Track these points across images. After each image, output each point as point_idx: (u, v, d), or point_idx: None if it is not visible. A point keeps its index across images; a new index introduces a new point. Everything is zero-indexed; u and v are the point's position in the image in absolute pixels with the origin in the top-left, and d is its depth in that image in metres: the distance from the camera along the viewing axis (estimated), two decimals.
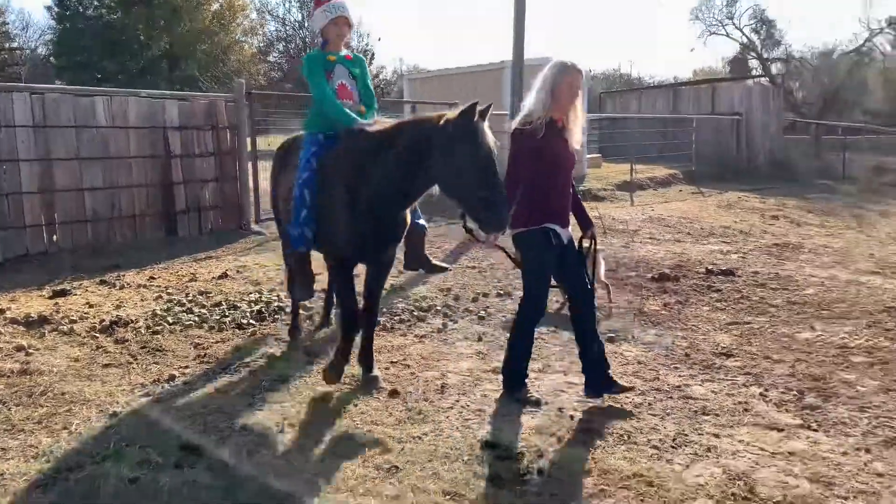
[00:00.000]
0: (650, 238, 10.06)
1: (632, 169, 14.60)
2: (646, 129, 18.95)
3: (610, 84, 53.36)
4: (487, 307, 6.39)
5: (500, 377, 4.55)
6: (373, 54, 43.84)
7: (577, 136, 4.22)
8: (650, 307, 6.56)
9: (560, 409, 4.23)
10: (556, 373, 4.87)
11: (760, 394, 4.55)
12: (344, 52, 4.46)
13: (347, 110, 4.26)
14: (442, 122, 3.71)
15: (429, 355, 5.12)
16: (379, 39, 78.37)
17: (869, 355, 5.29)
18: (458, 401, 4.33)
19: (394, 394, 4.38)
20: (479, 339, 5.52)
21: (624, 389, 4.38)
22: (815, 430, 4.02)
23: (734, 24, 45.60)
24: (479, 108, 3.66)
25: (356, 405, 4.21)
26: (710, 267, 8.03)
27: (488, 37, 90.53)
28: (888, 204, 17.13)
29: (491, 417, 4.12)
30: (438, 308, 6.27)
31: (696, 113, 20.73)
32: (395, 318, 5.92)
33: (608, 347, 5.31)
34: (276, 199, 5.06)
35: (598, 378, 4.35)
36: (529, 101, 4.10)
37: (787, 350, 5.40)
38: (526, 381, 4.43)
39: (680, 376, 4.86)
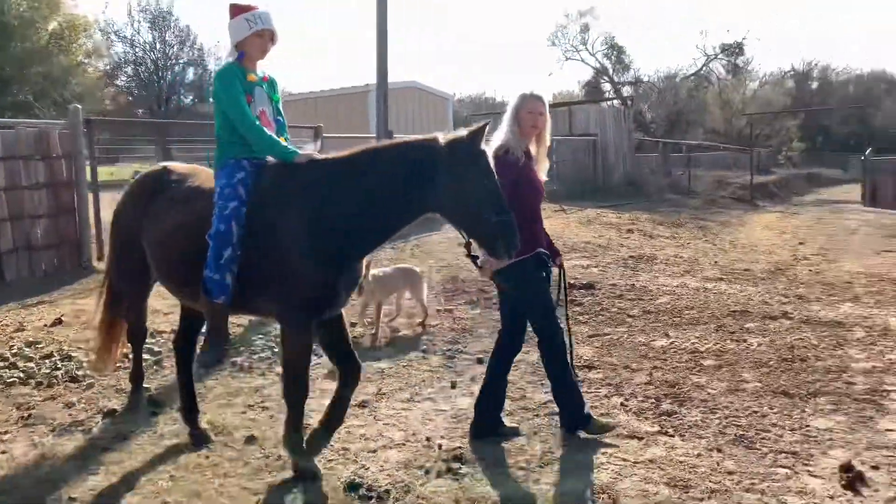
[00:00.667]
0: None
1: None
2: None
3: (476, 108, 54.84)
4: (355, 338, 6.17)
5: (364, 413, 4.40)
6: None
7: (544, 165, 4.28)
8: None
9: (428, 440, 4.10)
10: (425, 400, 4.75)
11: (621, 403, 4.65)
12: (260, 72, 3.91)
13: (282, 142, 3.70)
14: (445, 143, 3.38)
15: None
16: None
17: (718, 358, 5.57)
18: None
19: (250, 440, 4.07)
20: None
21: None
22: (672, 436, 4.14)
23: (588, 49, 48.45)
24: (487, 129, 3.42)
25: (208, 457, 3.86)
26: (572, 281, 8.25)
27: (356, 59, 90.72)
28: (728, 215, 18.64)
29: (356, 455, 3.92)
30: None
31: (556, 134, 21.60)
32: (254, 356, 5.58)
33: (476, 370, 5.32)
34: (133, 245, 4.02)
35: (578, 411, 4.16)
36: (501, 133, 4.05)
37: (644, 358, 5.58)
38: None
39: (546, 393, 4.88)
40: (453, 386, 5.01)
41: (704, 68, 43.77)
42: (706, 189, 23.27)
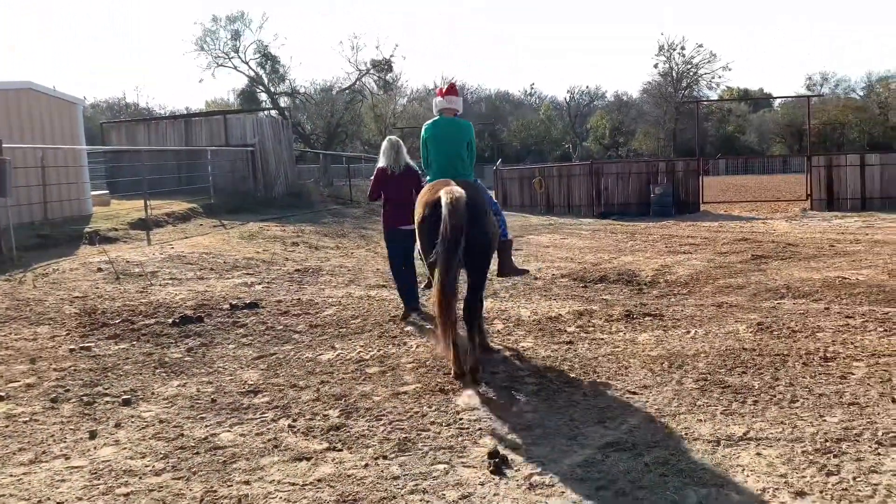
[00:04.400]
0: (171, 279, 9.43)
1: (146, 205, 13.65)
2: (159, 161, 18.06)
3: (114, 114, 49.98)
4: None
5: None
6: None
7: None
8: (172, 355, 6.01)
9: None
10: (55, 459, 3.99)
11: (289, 425, 4.47)
12: None
13: None
14: None
15: None
16: None
17: (381, 364, 5.72)
18: None
19: None
20: None
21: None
22: (340, 450, 4.09)
23: (240, 57, 47.42)
24: None
25: None
26: (234, 302, 7.85)
27: None
28: None
29: None
30: None
31: (210, 144, 20.65)
32: None
33: (122, 413, 4.68)
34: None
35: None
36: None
37: (311, 374, 5.48)
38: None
39: (207, 426, 4.49)
40: (93, 436, 4.31)
41: (358, 83, 46.06)
42: (366, 199, 24.38)
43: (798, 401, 4.53)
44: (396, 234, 7.26)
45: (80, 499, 3.51)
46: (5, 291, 8.14)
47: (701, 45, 64.87)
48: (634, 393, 4.84)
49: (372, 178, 7.51)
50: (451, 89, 6.38)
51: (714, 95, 65.63)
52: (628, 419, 4.37)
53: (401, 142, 7.40)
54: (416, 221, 5.65)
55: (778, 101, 68.38)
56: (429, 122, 6.28)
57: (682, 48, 64.42)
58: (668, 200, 21.79)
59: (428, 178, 6.15)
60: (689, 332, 6.37)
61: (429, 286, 6.17)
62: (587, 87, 76.92)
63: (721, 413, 4.39)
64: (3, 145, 10.19)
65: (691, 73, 66.09)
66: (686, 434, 4.09)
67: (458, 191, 5.09)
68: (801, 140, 58.00)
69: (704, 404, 4.55)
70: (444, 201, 4.99)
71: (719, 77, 65.75)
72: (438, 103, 6.29)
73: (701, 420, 4.29)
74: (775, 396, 4.63)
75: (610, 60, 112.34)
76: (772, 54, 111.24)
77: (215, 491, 3.59)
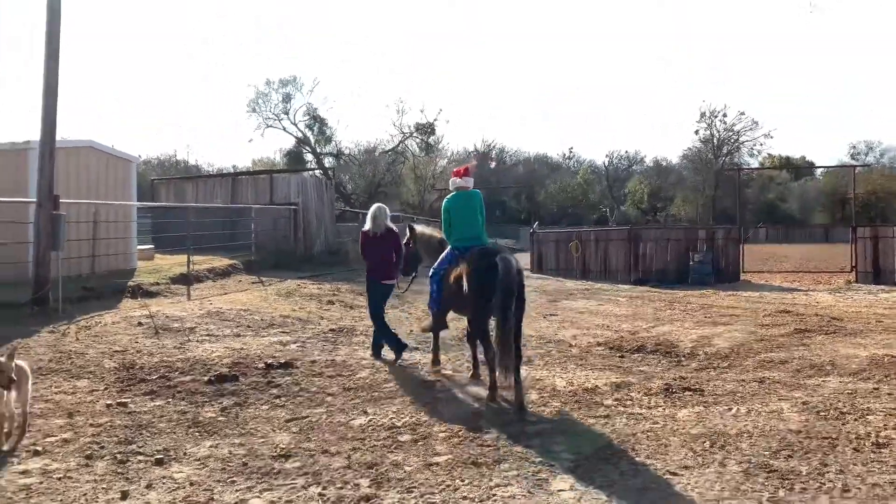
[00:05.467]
0: (208, 335, 9.53)
1: (189, 260, 13.95)
2: (204, 218, 18.56)
3: (165, 171, 51.80)
4: None
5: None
6: None
7: None
8: (206, 414, 6.02)
9: None
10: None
11: (319, 494, 4.41)
12: None
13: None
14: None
15: None
16: None
17: (413, 432, 5.64)
18: None
19: None
20: None
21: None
22: None
23: (290, 119, 49.16)
24: None
25: None
26: (269, 361, 7.88)
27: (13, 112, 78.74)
28: (423, 283, 19.76)
29: None
30: None
31: (256, 202, 21.16)
32: None
33: (155, 473, 4.67)
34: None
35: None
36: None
37: (343, 440, 5.43)
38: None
39: (237, 490, 4.46)
40: (124, 497, 4.30)
41: (401, 145, 47.16)
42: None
43: (850, 490, 4.32)
44: (377, 287, 8.72)
45: None
46: (49, 343, 8.32)
47: (743, 113, 64.35)
48: (675, 474, 4.67)
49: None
50: (466, 171, 7.78)
51: (755, 163, 65.14)
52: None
53: (383, 208, 8.90)
54: (464, 278, 6.79)
55: (820, 169, 67.58)
56: (449, 196, 7.65)
57: (724, 115, 64.28)
58: (708, 269, 21.46)
59: (452, 240, 7.47)
60: (730, 410, 6.17)
61: (436, 329, 8.01)
62: (626, 151, 77.06)
63: (767, 500, 4.19)
64: (60, 201, 10.59)
65: (732, 141, 65.83)
66: None
67: (507, 258, 6.61)
68: (844, 209, 56.97)
69: (749, 490, 4.36)
70: (501, 268, 6.48)
71: (761, 144, 65.26)
72: (456, 182, 7.68)
73: None
74: (825, 485, 4.41)
75: (649, 126, 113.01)
76: (814, 121, 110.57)
77: None
